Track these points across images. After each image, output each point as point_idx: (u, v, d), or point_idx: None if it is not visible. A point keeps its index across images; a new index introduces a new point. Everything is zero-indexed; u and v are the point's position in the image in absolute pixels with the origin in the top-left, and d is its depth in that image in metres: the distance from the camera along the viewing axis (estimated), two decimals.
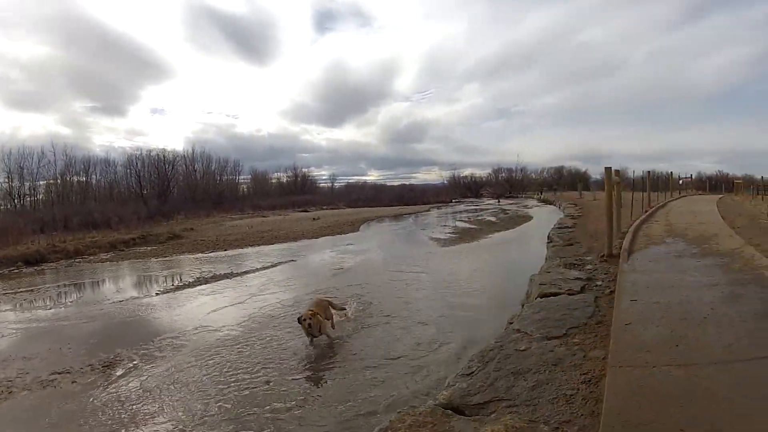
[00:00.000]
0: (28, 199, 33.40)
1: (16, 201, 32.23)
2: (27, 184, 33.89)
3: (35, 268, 13.43)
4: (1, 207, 30.80)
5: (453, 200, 47.97)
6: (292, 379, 4.40)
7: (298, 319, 5.30)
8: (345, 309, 6.38)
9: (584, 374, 2.52)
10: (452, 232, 16.62)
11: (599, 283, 4.68)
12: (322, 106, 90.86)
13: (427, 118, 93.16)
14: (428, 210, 34.28)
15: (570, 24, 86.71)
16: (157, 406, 4.03)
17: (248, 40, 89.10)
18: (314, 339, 5.25)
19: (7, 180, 32.27)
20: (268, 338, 5.61)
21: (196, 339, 5.80)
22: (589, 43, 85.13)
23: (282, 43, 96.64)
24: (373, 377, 4.17)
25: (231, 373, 4.56)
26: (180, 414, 3.81)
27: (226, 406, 3.86)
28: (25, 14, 63.21)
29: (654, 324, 2.98)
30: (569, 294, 4.12)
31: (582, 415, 2.10)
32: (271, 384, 4.23)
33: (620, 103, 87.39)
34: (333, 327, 5.64)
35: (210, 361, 4.88)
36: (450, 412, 2.16)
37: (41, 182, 34.82)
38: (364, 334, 5.53)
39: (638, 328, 2.93)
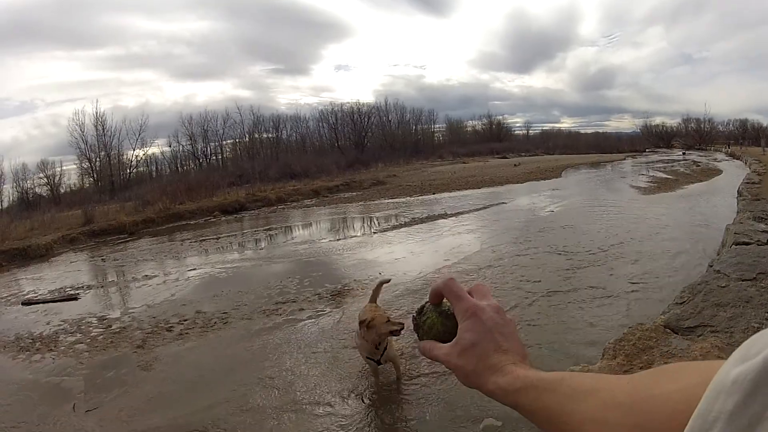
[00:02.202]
0: (214, 158, 35.48)
1: (201, 161, 34.78)
2: (212, 144, 35.90)
3: (234, 216, 14.64)
4: (186, 168, 33.26)
5: (647, 150, 45.97)
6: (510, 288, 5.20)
7: (361, 322, 3.19)
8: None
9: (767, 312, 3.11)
10: (651, 182, 16.75)
11: None
12: (509, 53, 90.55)
13: (615, 64, 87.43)
14: (623, 159, 33.34)
15: None
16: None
17: None
18: (379, 363, 3.30)
19: (190, 142, 34.92)
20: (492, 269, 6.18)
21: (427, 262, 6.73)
22: None
23: None
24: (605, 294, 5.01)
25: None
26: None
27: None
28: None
29: None
30: (758, 244, 4.51)
31: None
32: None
33: None
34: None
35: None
36: (669, 330, 3.02)
37: (227, 141, 36.89)
38: (597, 267, 6.01)
39: None
